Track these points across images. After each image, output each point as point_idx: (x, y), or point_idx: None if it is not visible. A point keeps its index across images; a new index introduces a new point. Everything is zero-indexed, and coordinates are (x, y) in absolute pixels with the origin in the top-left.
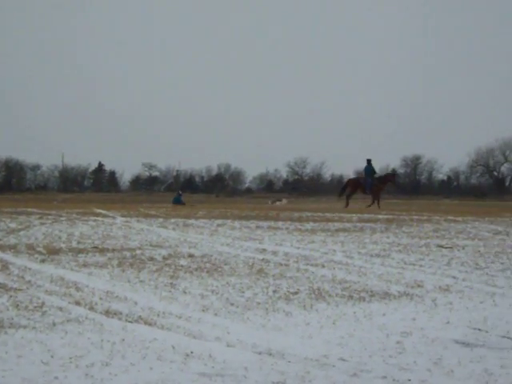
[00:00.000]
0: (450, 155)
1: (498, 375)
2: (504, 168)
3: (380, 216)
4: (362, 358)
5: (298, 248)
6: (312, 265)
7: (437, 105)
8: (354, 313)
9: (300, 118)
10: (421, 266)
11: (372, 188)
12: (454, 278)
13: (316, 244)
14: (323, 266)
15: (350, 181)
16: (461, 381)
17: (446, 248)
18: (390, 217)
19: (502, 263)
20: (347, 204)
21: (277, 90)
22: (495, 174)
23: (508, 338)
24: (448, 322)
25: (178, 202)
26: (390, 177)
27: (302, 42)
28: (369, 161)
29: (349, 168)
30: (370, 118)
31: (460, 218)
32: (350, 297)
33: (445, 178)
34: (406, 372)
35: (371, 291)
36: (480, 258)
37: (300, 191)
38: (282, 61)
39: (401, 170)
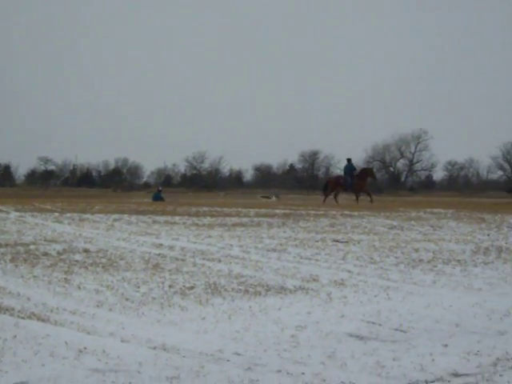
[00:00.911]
0: (347, 151)
1: (390, 367)
2: (400, 164)
3: (277, 211)
4: (257, 352)
5: (195, 243)
6: (208, 259)
7: (334, 101)
8: (250, 307)
9: (199, 113)
10: (317, 260)
11: (353, 187)
12: (349, 272)
13: (213, 239)
14: (220, 261)
15: (330, 181)
16: (354, 373)
17: (342, 243)
18: (288, 212)
19: (396, 257)
20: (336, 201)
21: (172, 84)
22: (391, 169)
23: (400, 330)
24: (342, 316)
25: (157, 198)
26: (368, 171)
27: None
28: (349, 160)
29: (247, 162)
30: (267, 113)
31: (356, 213)
32: (246, 291)
33: (342, 173)
34: (300, 365)
35: (267, 286)
36: (375, 253)
37: (198, 186)
38: (174, 53)
39: (299, 166)
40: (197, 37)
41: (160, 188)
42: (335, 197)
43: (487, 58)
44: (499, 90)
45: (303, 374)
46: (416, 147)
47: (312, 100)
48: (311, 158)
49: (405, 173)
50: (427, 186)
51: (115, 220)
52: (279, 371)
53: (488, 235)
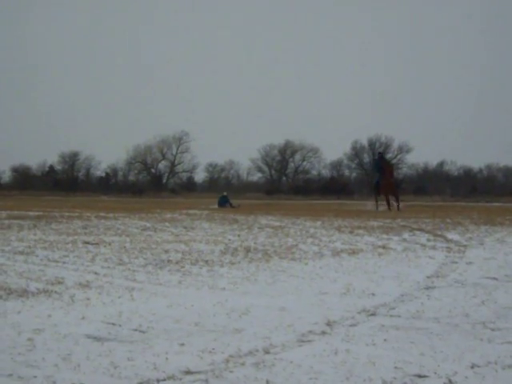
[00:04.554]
0: (108, 152)
1: (124, 367)
2: (161, 165)
3: (31, 213)
4: None
5: None
6: None
7: (96, 100)
8: None
9: None
10: (64, 262)
11: (381, 186)
12: (95, 273)
13: None
14: None
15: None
16: (86, 374)
17: (93, 244)
18: (41, 214)
19: (145, 258)
20: (377, 206)
21: None
22: (153, 171)
23: (140, 331)
24: (83, 318)
25: (224, 203)
26: (389, 166)
27: None
28: (379, 154)
29: (5, 164)
30: (25, 113)
31: (111, 215)
32: None
33: (103, 174)
34: (33, 369)
35: (9, 289)
36: (124, 254)
37: None
38: None
39: (59, 167)
40: None
41: (225, 193)
42: (386, 202)
43: (253, 60)
44: (259, 93)
45: (35, 377)
46: (177, 149)
47: (73, 99)
48: (71, 159)
49: (166, 174)
50: (188, 187)
51: None
52: (10, 375)
53: (238, 236)
